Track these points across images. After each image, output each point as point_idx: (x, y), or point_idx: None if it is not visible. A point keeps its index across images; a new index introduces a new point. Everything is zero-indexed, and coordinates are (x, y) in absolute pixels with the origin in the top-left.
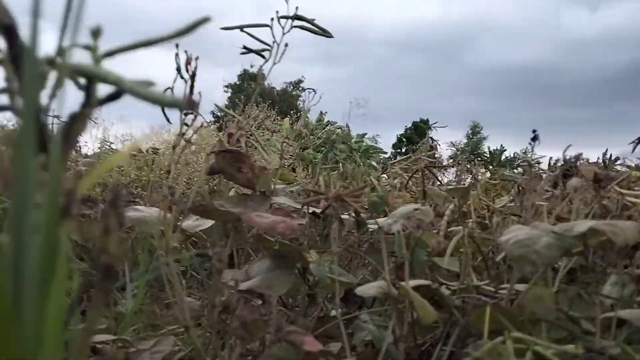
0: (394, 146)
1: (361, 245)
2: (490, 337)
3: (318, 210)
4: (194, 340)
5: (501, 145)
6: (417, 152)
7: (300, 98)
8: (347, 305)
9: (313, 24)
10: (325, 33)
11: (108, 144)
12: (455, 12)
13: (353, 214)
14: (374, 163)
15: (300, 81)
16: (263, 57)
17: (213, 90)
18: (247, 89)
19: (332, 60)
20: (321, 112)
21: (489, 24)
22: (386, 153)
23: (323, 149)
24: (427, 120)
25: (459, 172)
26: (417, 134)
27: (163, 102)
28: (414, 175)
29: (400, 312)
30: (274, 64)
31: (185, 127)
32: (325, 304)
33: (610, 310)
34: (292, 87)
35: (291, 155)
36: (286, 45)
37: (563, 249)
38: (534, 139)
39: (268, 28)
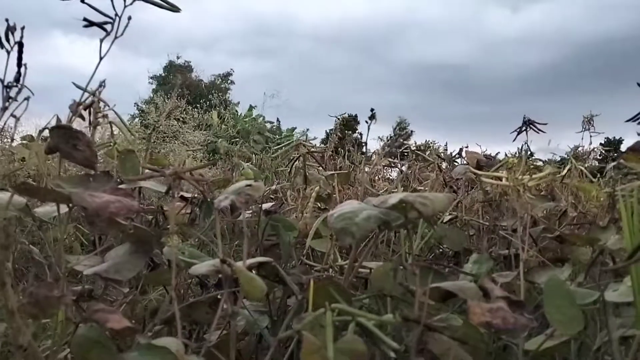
0: (324, 141)
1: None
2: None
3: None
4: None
5: (426, 140)
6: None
7: (229, 91)
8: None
9: None
10: (172, 7)
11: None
12: (382, 8)
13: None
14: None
15: (229, 74)
16: (105, 30)
17: (137, 82)
18: (172, 80)
19: (261, 54)
20: (250, 106)
21: (415, 21)
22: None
23: (237, 140)
24: (356, 116)
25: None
26: (346, 128)
27: None
28: (297, 161)
29: (232, 291)
30: (116, 37)
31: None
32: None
33: None
34: (220, 80)
35: (201, 145)
36: (129, 18)
37: (381, 220)
38: (371, 117)
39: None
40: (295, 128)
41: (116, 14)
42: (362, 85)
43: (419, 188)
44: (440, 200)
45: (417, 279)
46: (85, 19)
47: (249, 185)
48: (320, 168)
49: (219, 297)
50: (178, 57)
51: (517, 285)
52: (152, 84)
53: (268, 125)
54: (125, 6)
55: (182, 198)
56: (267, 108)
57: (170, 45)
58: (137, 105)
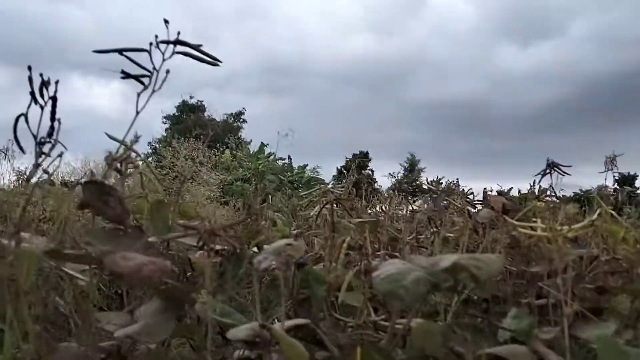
0: (335, 177)
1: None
2: None
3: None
4: None
5: (437, 177)
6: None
7: (241, 130)
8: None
9: (199, 50)
10: (213, 60)
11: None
12: (393, 47)
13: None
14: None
15: (241, 113)
16: (142, 83)
17: (151, 121)
18: (186, 120)
19: (274, 92)
20: (262, 144)
21: (426, 59)
22: (328, 184)
23: (253, 180)
24: (367, 153)
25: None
26: (357, 166)
27: None
28: (325, 208)
29: (268, 354)
30: (154, 91)
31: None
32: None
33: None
34: (232, 119)
35: (217, 186)
36: (167, 71)
37: (431, 284)
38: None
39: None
40: (307, 165)
41: (154, 67)
42: (374, 123)
43: (448, 235)
44: (495, 264)
45: (466, 343)
46: (123, 72)
47: (289, 244)
48: (348, 215)
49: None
50: (191, 97)
51: (557, 339)
52: (165, 123)
53: (280, 162)
54: (163, 60)
55: (212, 250)
56: (280, 146)
57: (184, 85)
58: (151, 145)
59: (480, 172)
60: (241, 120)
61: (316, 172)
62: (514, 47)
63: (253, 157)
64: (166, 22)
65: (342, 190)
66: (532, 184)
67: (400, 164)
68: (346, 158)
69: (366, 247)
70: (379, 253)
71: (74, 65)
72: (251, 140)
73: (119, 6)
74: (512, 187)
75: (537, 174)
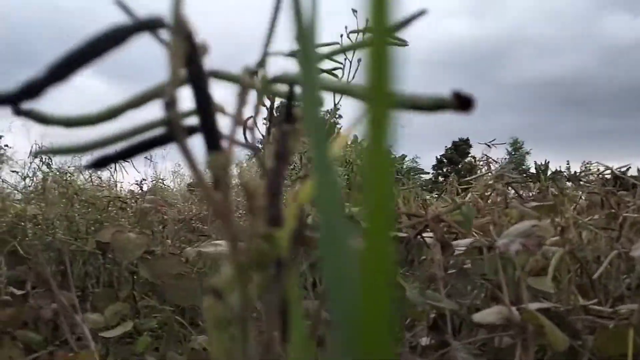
0: (435, 167)
1: (447, 269)
2: None
3: (402, 234)
4: None
5: (545, 160)
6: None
7: (338, 125)
8: (436, 333)
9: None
10: (402, 42)
11: (161, 180)
12: (489, 29)
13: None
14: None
15: (336, 108)
16: (336, 76)
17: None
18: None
19: None
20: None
21: (524, 37)
22: (428, 174)
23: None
24: (467, 139)
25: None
26: (457, 154)
27: (422, 104)
28: (494, 192)
29: (525, 340)
30: (347, 82)
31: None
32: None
33: None
34: (327, 114)
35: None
36: (359, 60)
37: None
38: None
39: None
40: (406, 156)
41: (346, 58)
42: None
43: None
44: None
45: None
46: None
47: (536, 225)
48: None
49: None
50: None
51: None
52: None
53: None
54: (354, 50)
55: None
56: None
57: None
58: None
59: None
60: (337, 116)
61: (415, 162)
62: (624, 15)
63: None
64: (354, 11)
65: (516, 175)
66: None
67: (506, 149)
68: (446, 147)
69: (570, 229)
70: (567, 236)
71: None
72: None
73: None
74: (629, 166)
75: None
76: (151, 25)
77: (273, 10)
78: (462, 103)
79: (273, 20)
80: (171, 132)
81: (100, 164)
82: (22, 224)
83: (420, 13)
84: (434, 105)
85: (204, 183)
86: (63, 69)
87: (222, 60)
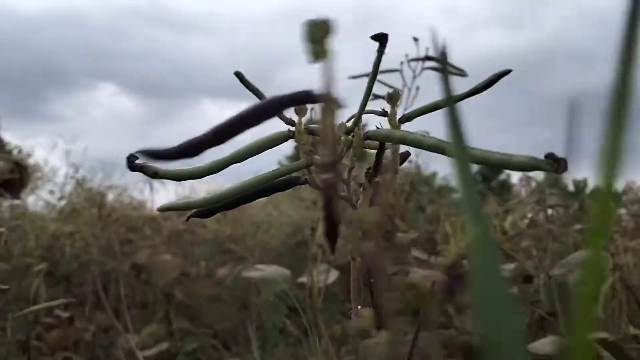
0: None
1: None
2: None
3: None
4: None
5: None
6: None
7: None
8: None
9: (446, 64)
10: (460, 72)
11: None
12: (524, 40)
13: None
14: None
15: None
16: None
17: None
18: None
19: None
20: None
21: (563, 47)
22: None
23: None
24: None
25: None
26: (491, 171)
27: (523, 164)
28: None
29: None
30: (405, 109)
31: None
32: None
33: None
34: None
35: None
36: (417, 88)
37: None
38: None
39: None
40: (437, 173)
41: (404, 84)
42: (504, 122)
43: None
44: None
45: None
46: (374, 94)
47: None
48: None
49: None
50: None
51: None
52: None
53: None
54: (414, 77)
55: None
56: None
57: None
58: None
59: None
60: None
61: (446, 180)
62: None
63: None
64: (415, 39)
65: (556, 195)
66: None
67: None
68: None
69: (619, 255)
70: (619, 263)
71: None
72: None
73: (243, 32)
74: None
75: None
76: (304, 98)
77: (372, 73)
78: (557, 165)
79: (371, 81)
80: (328, 191)
81: (207, 214)
82: (60, 242)
83: (505, 72)
84: (530, 166)
85: (357, 236)
86: (224, 134)
87: (253, 76)
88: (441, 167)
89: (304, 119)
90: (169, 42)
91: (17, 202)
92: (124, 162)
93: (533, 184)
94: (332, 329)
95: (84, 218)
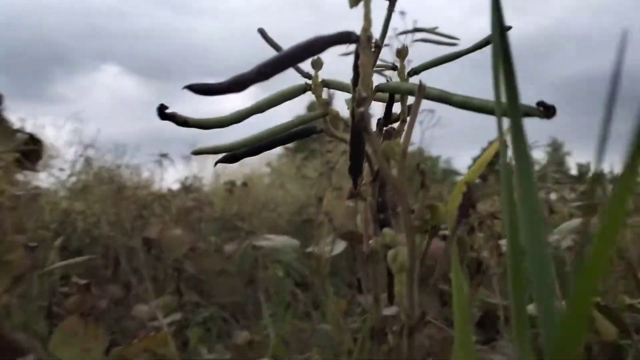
0: (470, 168)
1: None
2: None
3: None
4: None
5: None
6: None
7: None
8: (483, 330)
9: (436, 33)
10: (451, 40)
11: (199, 179)
12: (528, 25)
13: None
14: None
15: None
16: (386, 77)
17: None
18: None
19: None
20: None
21: (569, 32)
22: (462, 175)
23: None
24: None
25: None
26: (495, 155)
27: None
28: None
29: None
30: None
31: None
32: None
33: None
34: None
35: None
36: (410, 61)
37: None
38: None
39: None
40: (440, 157)
41: (395, 60)
42: None
43: None
44: None
45: None
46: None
47: (585, 223)
48: None
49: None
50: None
51: None
52: None
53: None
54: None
55: (444, 237)
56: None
57: None
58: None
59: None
60: None
61: (449, 163)
62: None
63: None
64: (402, 13)
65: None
66: None
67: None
68: (482, 147)
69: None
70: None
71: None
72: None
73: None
74: None
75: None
76: (345, 38)
77: (382, 30)
78: (546, 111)
79: (382, 38)
80: (359, 124)
81: (232, 159)
82: (71, 217)
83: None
84: (489, 109)
85: (383, 163)
86: (268, 69)
87: (253, 59)
88: (444, 152)
89: (319, 73)
90: (171, 23)
91: (32, 174)
92: (134, 140)
93: (536, 167)
94: (338, 303)
95: (95, 195)
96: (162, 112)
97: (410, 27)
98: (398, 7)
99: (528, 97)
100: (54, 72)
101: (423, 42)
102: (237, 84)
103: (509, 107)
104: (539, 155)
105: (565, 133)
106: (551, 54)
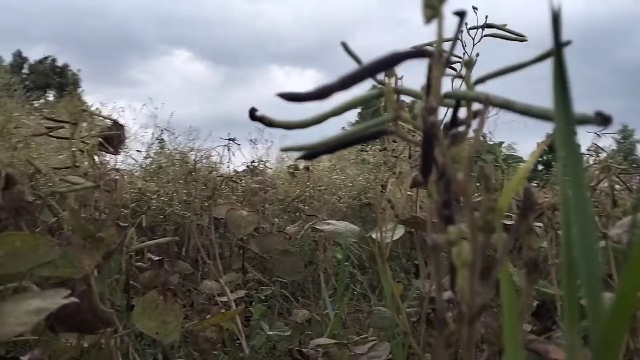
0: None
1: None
2: None
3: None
4: (414, 345)
5: None
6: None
7: None
8: (539, 320)
9: (505, 30)
10: (520, 37)
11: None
12: (604, 5)
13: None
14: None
15: None
16: (454, 69)
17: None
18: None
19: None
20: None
21: None
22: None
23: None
24: None
25: None
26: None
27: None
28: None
29: (635, 328)
30: (461, 77)
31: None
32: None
33: None
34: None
35: None
36: (477, 55)
37: None
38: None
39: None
40: (503, 143)
41: (464, 52)
42: (580, 92)
43: None
44: None
45: None
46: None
47: None
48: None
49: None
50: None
51: None
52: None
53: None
54: (474, 44)
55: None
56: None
57: None
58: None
59: None
60: None
61: (512, 149)
62: None
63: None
64: (475, 8)
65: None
66: None
67: (614, 138)
68: (547, 133)
69: None
70: None
71: (272, 57)
72: None
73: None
74: None
75: None
76: (419, 53)
77: (451, 45)
78: (603, 120)
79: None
80: (430, 131)
81: (312, 156)
82: (146, 197)
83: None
84: (579, 121)
85: (450, 165)
86: (350, 81)
87: (320, 44)
88: (506, 137)
89: (392, 80)
90: (240, 9)
91: (113, 157)
92: (203, 122)
93: (602, 154)
94: (396, 286)
95: (168, 176)
96: (253, 114)
97: (480, 23)
98: (470, 1)
99: (599, 82)
100: (128, 56)
101: (492, 37)
102: (321, 93)
103: (563, 117)
104: (606, 143)
105: (636, 121)
106: (624, 37)
